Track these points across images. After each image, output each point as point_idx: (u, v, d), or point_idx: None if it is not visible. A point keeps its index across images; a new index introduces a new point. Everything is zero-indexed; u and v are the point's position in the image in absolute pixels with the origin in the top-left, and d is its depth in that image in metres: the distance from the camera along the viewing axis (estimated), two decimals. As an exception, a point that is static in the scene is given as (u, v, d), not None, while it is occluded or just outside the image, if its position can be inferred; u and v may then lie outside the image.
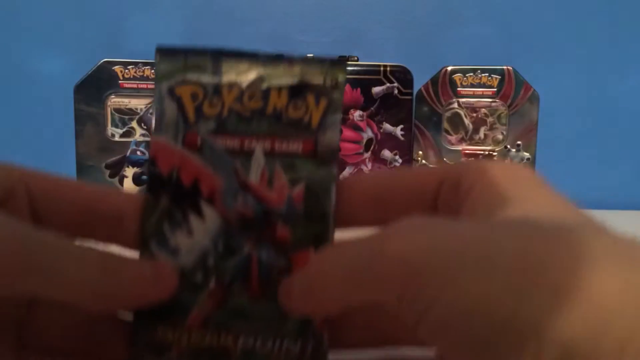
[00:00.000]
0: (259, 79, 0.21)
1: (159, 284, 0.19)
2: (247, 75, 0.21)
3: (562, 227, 0.15)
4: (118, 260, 0.19)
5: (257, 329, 0.20)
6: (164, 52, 0.21)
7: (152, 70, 0.20)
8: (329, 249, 0.19)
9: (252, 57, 0.21)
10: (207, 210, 0.20)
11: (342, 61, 0.21)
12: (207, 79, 0.21)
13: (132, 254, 0.21)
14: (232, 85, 0.21)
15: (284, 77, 0.21)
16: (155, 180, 0.20)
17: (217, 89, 0.21)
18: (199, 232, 0.20)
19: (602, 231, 0.15)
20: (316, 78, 0.21)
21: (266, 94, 0.21)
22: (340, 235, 0.20)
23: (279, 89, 0.21)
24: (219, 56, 0.21)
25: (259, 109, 0.21)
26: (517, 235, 0.15)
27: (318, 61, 0.21)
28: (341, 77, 0.21)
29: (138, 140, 0.64)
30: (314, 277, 0.18)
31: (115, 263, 0.18)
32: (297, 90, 0.21)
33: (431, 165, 0.20)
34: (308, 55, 0.22)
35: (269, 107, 0.21)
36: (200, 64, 0.21)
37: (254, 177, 0.21)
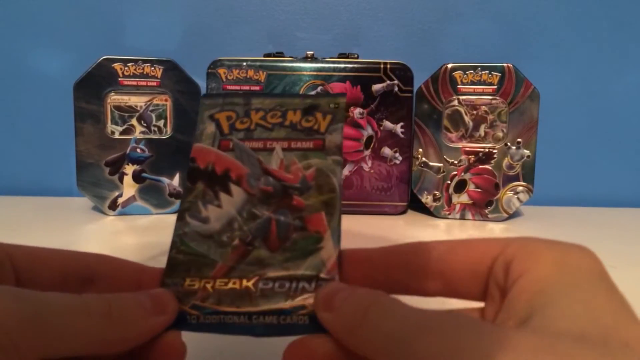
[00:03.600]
0: (280, 105, 0.28)
1: (160, 313, 0.20)
2: (270, 104, 0.28)
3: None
4: (119, 301, 0.20)
5: (276, 274, 0.23)
6: (206, 96, 0.28)
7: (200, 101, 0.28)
8: (387, 304, 0.20)
9: (275, 95, 0.27)
10: (235, 189, 0.25)
11: (342, 94, 0.27)
12: (239, 109, 0.28)
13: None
14: (258, 110, 0.28)
15: (298, 104, 0.28)
16: (193, 172, 0.26)
17: (247, 113, 0.27)
18: (227, 205, 0.25)
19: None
20: (323, 103, 0.28)
21: (284, 113, 0.27)
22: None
23: (294, 110, 0.27)
24: (249, 96, 0.27)
25: (279, 122, 0.27)
26: None
27: (324, 95, 0.28)
28: (341, 102, 0.27)
29: (138, 137, 0.64)
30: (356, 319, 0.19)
31: (118, 304, 0.19)
32: (308, 111, 0.27)
33: (487, 238, 0.22)
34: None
35: (286, 121, 0.27)
36: (234, 101, 0.28)
37: (274, 165, 0.26)
